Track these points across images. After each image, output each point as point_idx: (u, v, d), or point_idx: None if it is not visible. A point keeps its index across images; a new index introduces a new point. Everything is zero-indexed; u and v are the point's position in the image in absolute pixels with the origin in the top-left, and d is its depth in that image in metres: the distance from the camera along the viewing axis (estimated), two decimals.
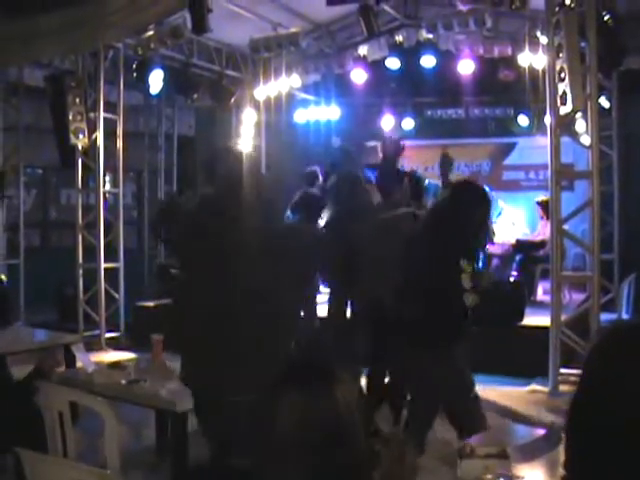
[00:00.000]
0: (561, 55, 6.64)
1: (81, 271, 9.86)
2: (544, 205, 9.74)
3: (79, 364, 5.32)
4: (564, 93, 6.60)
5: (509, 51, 9.86)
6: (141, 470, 4.92)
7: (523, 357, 7.43)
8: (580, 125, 7.45)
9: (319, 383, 1.52)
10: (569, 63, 6.51)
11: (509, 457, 2.73)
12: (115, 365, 4.83)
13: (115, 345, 9.69)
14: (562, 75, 6.59)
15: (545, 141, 7.86)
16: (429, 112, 13.33)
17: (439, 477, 2.31)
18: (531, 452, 2.81)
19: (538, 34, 8.49)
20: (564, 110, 6.70)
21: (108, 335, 9.78)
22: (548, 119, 7.16)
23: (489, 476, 2.43)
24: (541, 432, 3.06)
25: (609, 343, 1.38)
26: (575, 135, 7.50)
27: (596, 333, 6.52)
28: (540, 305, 8.70)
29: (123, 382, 4.36)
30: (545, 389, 7.15)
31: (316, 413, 1.48)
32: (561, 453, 2.67)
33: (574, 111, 6.61)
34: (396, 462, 1.57)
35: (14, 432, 3.66)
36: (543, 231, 9.95)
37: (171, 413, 4.06)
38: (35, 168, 12.60)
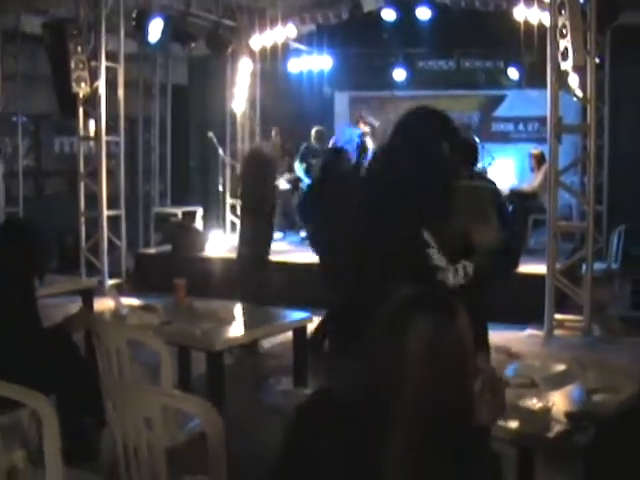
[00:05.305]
0: (563, 12, 6.83)
1: (83, 219, 10.01)
2: (537, 157, 10.00)
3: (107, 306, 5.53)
4: (565, 49, 6.81)
5: (504, 5, 10.00)
6: None
7: (518, 303, 7.69)
8: (573, 79, 7.66)
9: (443, 308, 1.64)
10: (571, 20, 6.70)
11: (538, 386, 3.03)
12: (145, 308, 5.03)
13: (117, 292, 9.87)
14: (564, 32, 6.79)
15: (534, 94, 8.07)
16: (420, 63, 13.43)
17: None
18: (554, 382, 3.10)
19: None
20: (565, 66, 6.91)
21: (110, 282, 9.99)
22: (547, 74, 7.34)
23: (527, 402, 2.71)
24: (560, 367, 3.35)
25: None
26: (569, 89, 7.72)
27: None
28: (532, 253, 8.99)
29: (156, 323, 4.57)
30: (541, 334, 7.51)
31: (446, 337, 1.59)
32: (586, 382, 2.99)
33: (575, 67, 6.83)
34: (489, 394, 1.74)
35: (52, 375, 3.82)
36: (534, 182, 10.22)
37: (208, 352, 4.29)
38: (29, 117, 12.57)
